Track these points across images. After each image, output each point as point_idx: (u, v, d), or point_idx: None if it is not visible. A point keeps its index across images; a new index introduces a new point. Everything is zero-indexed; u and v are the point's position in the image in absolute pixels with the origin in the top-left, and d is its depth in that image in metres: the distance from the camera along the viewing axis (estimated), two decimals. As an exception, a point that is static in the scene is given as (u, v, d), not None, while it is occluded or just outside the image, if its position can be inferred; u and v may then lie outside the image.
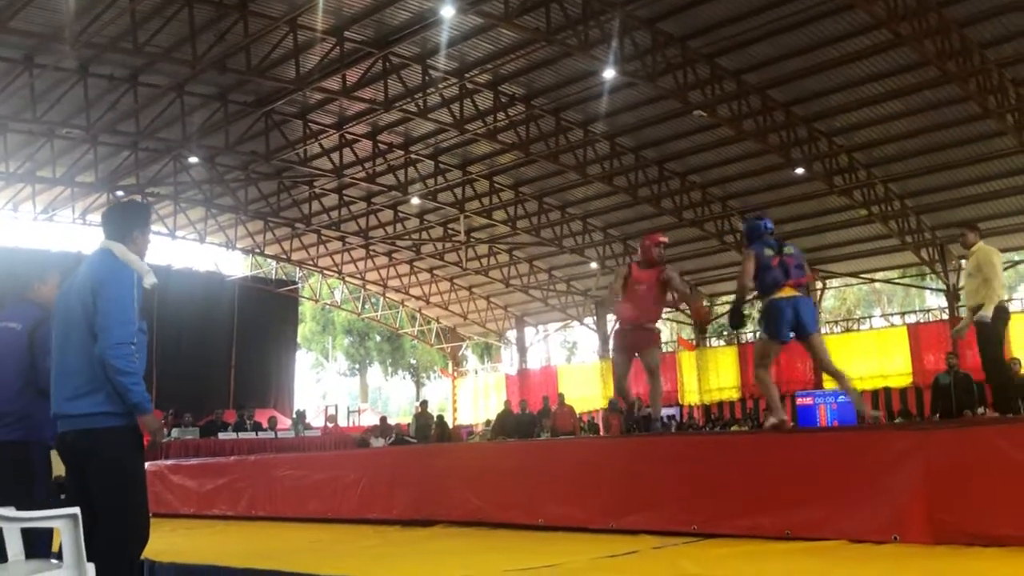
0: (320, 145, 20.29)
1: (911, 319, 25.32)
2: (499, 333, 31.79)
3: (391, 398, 51.30)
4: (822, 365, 6.99)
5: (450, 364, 33.62)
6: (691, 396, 25.50)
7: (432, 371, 42.56)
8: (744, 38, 15.43)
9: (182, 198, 22.85)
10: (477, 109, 18.17)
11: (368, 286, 30.23)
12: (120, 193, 20.93)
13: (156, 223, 22.21)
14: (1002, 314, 7.75)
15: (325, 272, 29.15)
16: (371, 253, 27.50)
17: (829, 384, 21.17)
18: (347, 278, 29.66)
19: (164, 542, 6.15)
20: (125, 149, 19.97)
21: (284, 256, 26.74)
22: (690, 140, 19.50)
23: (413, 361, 43.66)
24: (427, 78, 16.82)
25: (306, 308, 36.58)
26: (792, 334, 6.47)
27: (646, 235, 7.87)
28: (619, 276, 7.81)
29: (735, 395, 24.59)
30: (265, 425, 18.19)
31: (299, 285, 29.53)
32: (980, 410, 11.89)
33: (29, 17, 13.82)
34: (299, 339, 34.17)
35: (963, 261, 9.77)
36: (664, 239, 7.80)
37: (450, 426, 23.02)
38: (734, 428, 19.95)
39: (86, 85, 16.27)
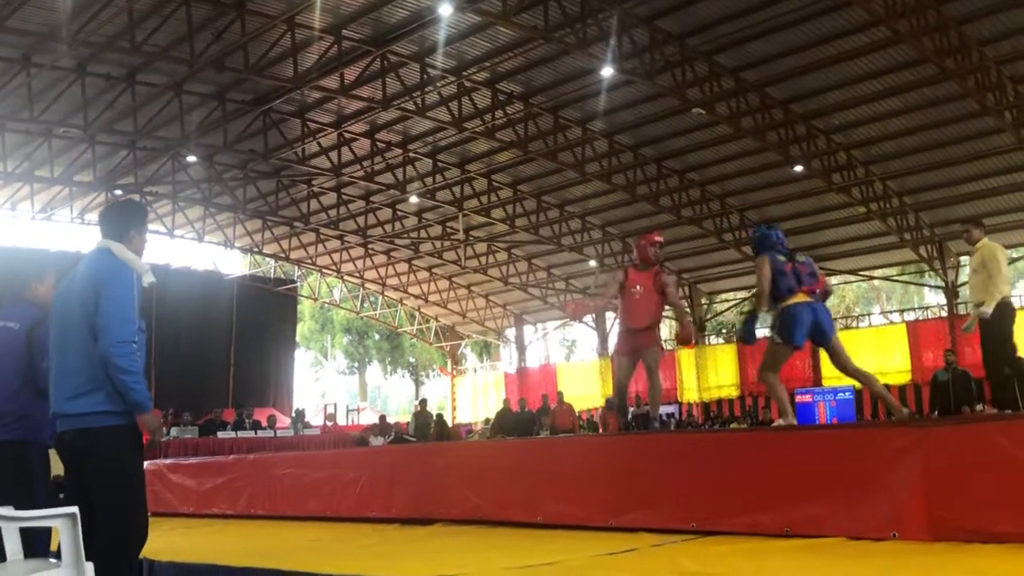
0: (318, 144, 20.29)
1: (910, 316, 25.34)
2: (498, 331, 31.78)
3: (390, 396, 51.27)
4: (846, 369, 6.85)
5: (449, 362, 33.62)
6: (690, 394, 25.49)
7: (431, 369, 42.59)
8: (742, 35, 15.41)
9: (180, 197, 22.80)
10: (475, 107, 18.16)
11: (367, 285, 30.21)
12: (118, 192, 20.91)
13: (154, 222, 22.27)
14: (1008, 311, 7.69)
15: (324, 271, 29.10)
16: (370, 252, 27.48)
17: (828, 382, 21.22)
18: (346, 277, 29.62)
19: (163, 541, 6.16)
20: (123, 148, 19.93)
21: (283, 255, 26.71)
22: (688, 138, 19.48)
23: (412, 359, 43.68)
24: (425, 76, 16.80)
25: (305, 307, 36.58)
26: (807, 340, 6.44)
27: (642, 235, 7.86)
28: (614, 282, 7.82)
29: (734, 393, 24.60)
30: (264, 424, 18.22)
31: (298, 284, 29.51)
32: (979, 407, 11.90)
33: (26, 16, 13.78)
34: (298, 338, 34.16)
35: (964, 258, 9.75)
36: (660, 238, 7.80)
37: (449, 424, 23.02)
38: (733, 426, 19.98)
39: (84, 84, 16.24)
